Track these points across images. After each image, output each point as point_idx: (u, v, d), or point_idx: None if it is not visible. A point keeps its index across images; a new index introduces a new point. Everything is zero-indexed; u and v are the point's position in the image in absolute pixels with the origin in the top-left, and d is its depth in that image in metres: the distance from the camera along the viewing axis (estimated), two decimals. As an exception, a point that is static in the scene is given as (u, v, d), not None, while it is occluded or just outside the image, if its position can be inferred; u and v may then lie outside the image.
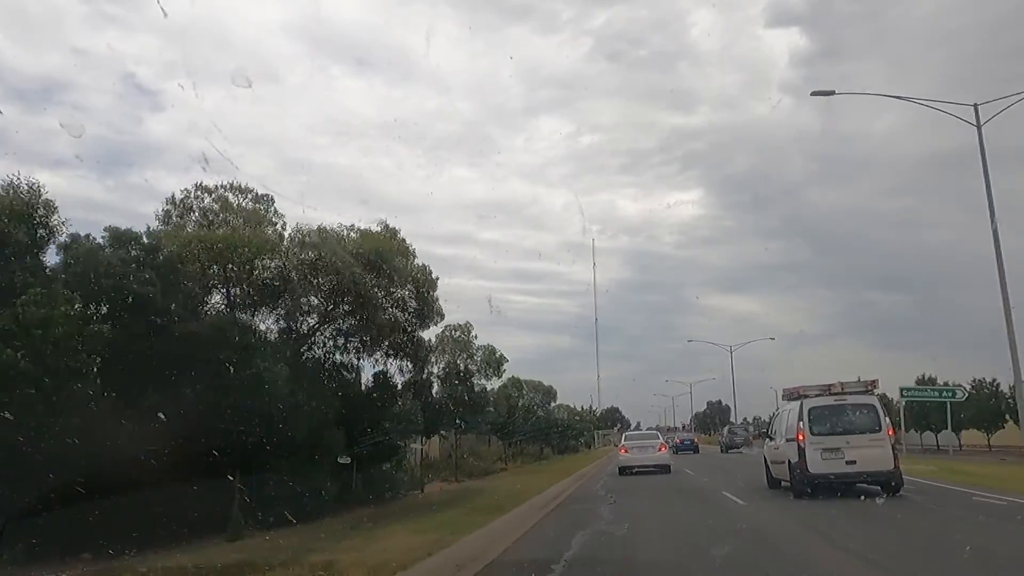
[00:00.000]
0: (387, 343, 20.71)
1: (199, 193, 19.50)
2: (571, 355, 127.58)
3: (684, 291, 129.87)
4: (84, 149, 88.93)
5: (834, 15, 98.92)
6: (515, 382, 52.98)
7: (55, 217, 13.47)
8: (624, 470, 27.87)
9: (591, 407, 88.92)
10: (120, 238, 14.61)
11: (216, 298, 17.89)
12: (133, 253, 14.43)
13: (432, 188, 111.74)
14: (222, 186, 19.56)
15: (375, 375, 19.95)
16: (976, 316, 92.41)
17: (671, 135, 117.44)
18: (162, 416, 12.24)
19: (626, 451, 29.11)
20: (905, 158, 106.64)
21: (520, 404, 40.61)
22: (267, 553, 10.36)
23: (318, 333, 19.31)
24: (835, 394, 16.06)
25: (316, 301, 18.72)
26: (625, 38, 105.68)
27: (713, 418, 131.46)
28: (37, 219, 13.09)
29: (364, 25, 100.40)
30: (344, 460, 17.55)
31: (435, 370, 33.16)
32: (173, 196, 19.39)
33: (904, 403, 41.62)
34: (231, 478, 13.49)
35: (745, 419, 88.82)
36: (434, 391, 30.57)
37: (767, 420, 58.83)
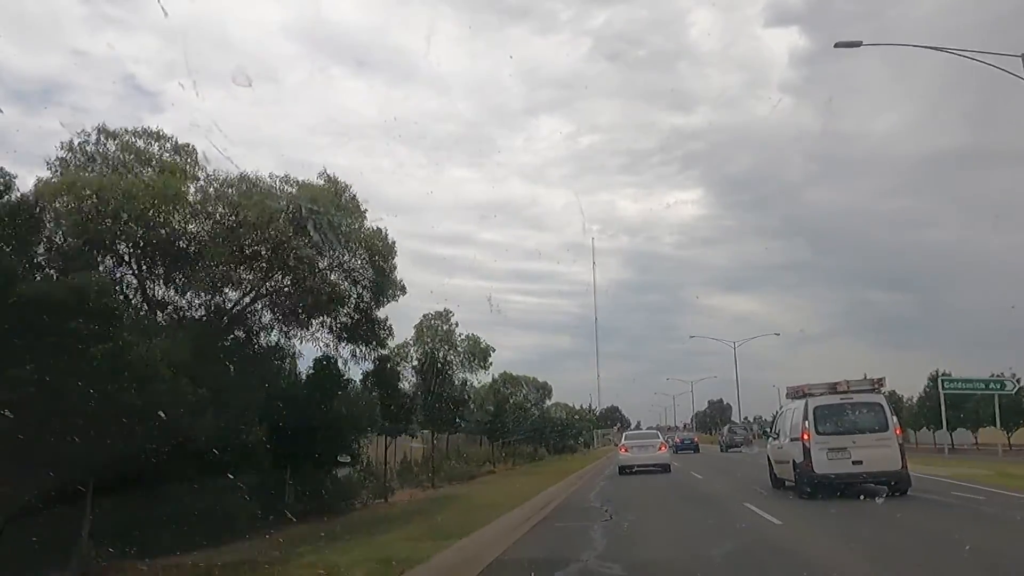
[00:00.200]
0: (333, 322, 17.07)
1: (102, 139, 15.84)
2: (571, 355, 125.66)
3: (684, 291, 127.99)
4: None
5: (833, 14, 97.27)
6: (507, 378, 49.38)
7: None
8: (624, 469, 27.24)
9: (590, 406, 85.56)
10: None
11: (111, 263, 14.23)
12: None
13: (432, 188, 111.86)
14: (130, 131, 15.92)
15: (317, 362, 16.28)
16: (977, 315, 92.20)
17: (671, 135, 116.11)
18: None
19: (626, 450, 28.50)
20: (905, 158, 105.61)
21: (511, 401, 36.98)
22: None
23: (247, 310, 15.62)
24: (841, 392, 15.66)
25: (242, 270, 14.99)
26: (625, 38, 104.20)
27: (714, 417, 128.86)
28: None
29: (364, 25, 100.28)
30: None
31: (412, 362, 29.90)
32: (71, 142, 15.70)
33: (944, 397, 37.91)
34: (85, 491, 9.87)
35: (746, 418, 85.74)
36: (410, 383, 27.08)
37: (767, 419, 55.86)
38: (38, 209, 11.93)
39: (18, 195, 11.43)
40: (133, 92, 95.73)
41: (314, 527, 14.24)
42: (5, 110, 68.94)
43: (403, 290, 18.06)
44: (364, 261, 16.86)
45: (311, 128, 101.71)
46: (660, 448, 28.15)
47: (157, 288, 15.53)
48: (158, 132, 16.17)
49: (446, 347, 32.10)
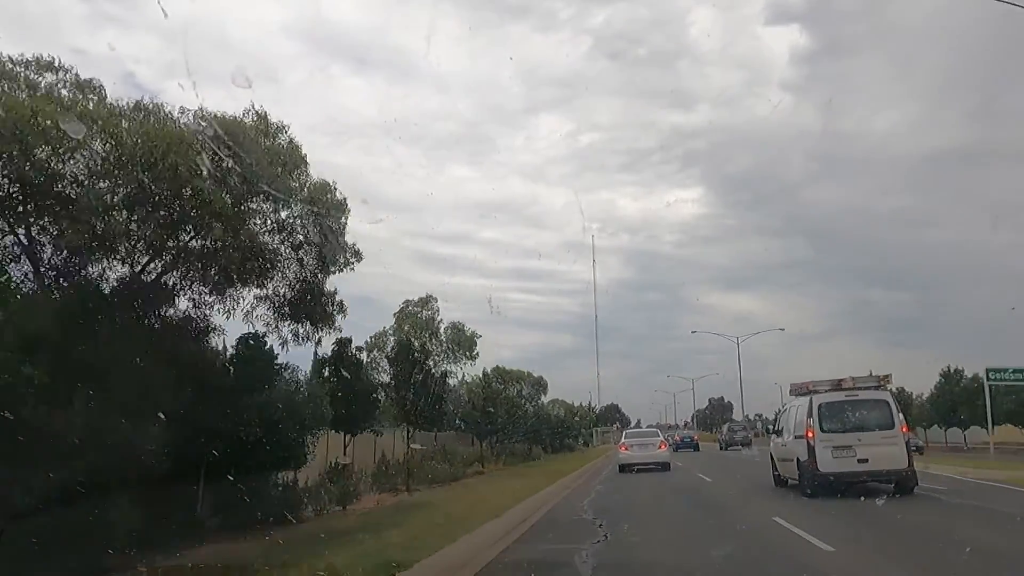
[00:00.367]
0: (267, 293, 13.95)
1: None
2: (572, 354, 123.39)
3: (685, 290, 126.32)
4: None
5: (833, 12, 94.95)
6: (500, 372, 46.28)
7: None
8: (624, 467, 26.94)
9: (590, 404, 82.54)
10: None
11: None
12: None
13: (432, 188, 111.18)
14: (16, 59, 12.79)
15: (242, 341, 13.07)
16: (977, 314, 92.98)
17: (671, 134, 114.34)
18: None
19: (626, 448, 28.07)
20: (905, 157, 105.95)
21: (501, 396, 33.88)
22: None
23: (149, 275, 12.46)
24: (846, 389, 15.33)
25: (136, 224, 11.79)
26: (625, 37, 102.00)
27: (715, 416, 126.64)
28: None
29: (364, 24, 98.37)
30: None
31: (388, 351, 26.89)
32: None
33: (990, 388, 34.82)
34: None
35: (746, 416, 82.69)
36: (388, 374, 24.07)
37: (769, 418, 53.55)
38: None
39: None
40: (133, 91, 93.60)
41: (223, 546, 11.20)
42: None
43: (358, 256, 14.94)
44: (305, 220, 13.74)
45: (311, 127, 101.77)
46: (660, 446, 27.73)
47: (46, 249, 12.40)
48: (52, 62, 13.07)
49: (427, 335, 29.12)
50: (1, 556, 8.79)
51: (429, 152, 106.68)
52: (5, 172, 10.83)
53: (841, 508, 13.36)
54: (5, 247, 12.21)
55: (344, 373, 17.53)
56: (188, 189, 11.19)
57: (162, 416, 10.82)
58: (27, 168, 10.80)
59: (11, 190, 11.20)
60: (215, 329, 13.16)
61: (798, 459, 15.40)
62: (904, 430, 14.99)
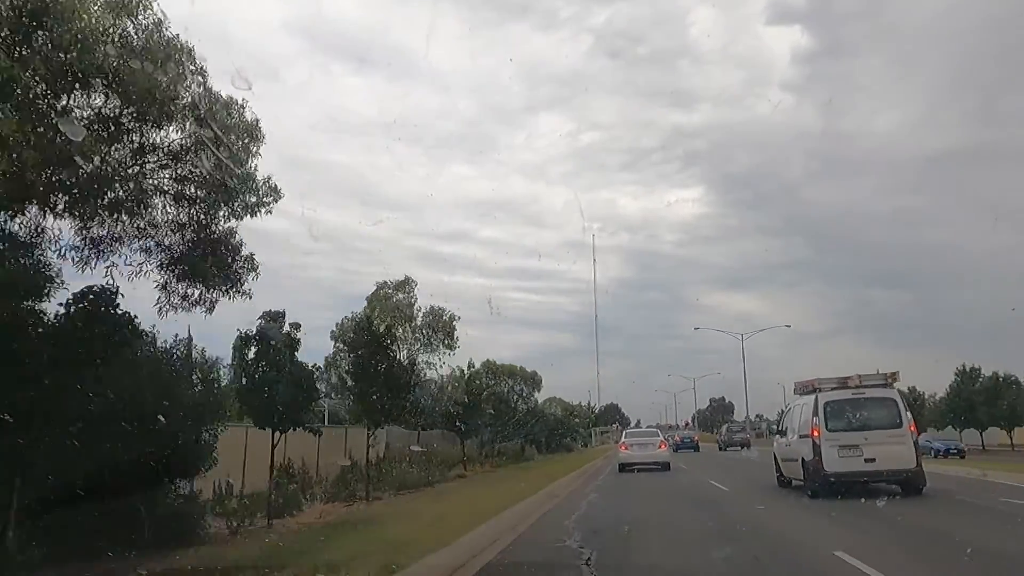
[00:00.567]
0: (138, 238, 10.31)
1: None
2: (572, 353, 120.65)
3: (685, 289, 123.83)
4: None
5: (835, 12, 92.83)
6: (490, 367, 42.68)
7: None
8: (625, 467, 26.57)
9: (589, 403, 79.07)
10: None
11: None
12: None
13: (432, 186, 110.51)
14: None
15: (79, 297, 9.16)
16: (976, 314, 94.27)
17: (672, 133, 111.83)
18: None
19: (626, 448, 27.72)
20: (905, 157, 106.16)
21: (484, 393, 30.26)
22: None
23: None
24: (852, 387, 14.99)
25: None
26: (626, 36, 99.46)
27: (715, 416, 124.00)
28: None
29: (364, 23, 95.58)
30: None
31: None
32: None
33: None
34: None
35: (747, 416, 79.22)
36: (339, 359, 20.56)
37: (770, 419, 51.06)
38: None
39: None
40: None
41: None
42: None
43: (275, 194, 11.32)
44: (192, 139, 10.11)
45: (312, 125, 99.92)
46: (660, 446, 27.44)
47: None
48: None
49: (399, 318, 25.51)
50: None
51: (430, 151, 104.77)
52: None
53: (911, 537, 9.73)
54: None
55: (269, 356, 13.87)
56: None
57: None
58: None
59: None
60: (53, 280, 9.42)
61: (803, 459, 15.05)
62: (912, 429, 14.63)
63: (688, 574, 8.36)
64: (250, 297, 11.44)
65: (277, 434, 14.30)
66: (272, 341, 14.26)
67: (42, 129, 7.76)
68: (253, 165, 11.08)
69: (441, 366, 27.47)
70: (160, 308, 10.67)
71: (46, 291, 9.25)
